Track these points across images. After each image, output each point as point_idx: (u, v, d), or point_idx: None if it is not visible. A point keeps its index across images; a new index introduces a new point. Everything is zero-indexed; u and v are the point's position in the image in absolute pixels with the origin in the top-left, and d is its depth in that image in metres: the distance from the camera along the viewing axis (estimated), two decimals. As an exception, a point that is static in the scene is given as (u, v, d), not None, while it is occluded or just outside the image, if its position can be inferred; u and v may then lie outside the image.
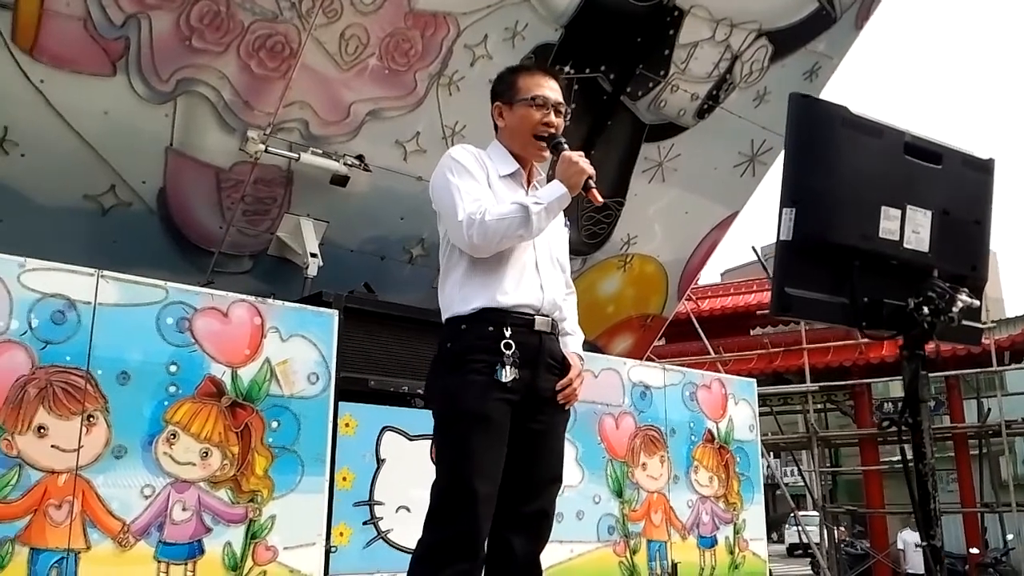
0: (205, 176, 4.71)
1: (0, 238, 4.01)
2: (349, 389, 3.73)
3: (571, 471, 4.33)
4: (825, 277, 2.00)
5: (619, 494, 4.63)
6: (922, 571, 11.23)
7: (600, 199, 2.32)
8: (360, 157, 4.88)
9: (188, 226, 4.87)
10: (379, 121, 4.85)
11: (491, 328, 2.27)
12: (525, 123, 2.42)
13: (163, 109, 4.39)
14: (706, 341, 12.87)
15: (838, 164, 1.98)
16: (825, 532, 14.03)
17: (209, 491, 3.25)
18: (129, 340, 3.18)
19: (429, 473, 2.29)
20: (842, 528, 16.87)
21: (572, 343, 2.49)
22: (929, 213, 2.07)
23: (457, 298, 2.33)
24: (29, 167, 4.29)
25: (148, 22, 4.09)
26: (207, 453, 3.27)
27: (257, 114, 4.54)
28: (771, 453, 15.75)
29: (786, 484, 17.44)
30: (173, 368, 3.25)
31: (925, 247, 2.07)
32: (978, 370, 12.99)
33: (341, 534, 3.57)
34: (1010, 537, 13.67)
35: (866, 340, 13.07)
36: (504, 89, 2.49)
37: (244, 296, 3.54)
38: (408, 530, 3.64)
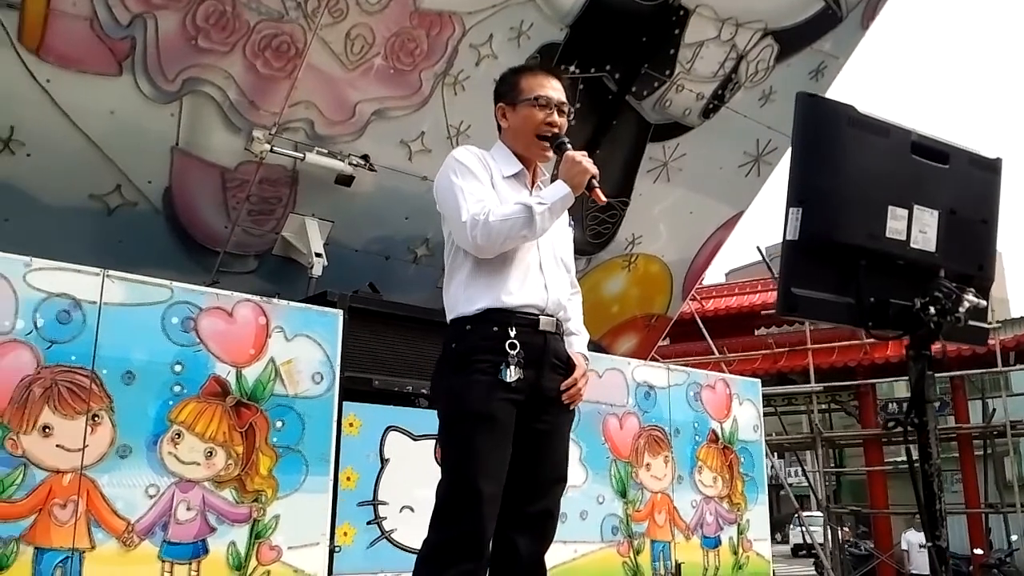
0: (211, 176, 4.71)
1: (6, 238, 4.02)
2: (353, 389, 3.73)
3: (575, 471, 4.32)
4: (831, 277, 1.99)
5: (623, 494, 4.62)
6: (926, 572, 11.23)
7: (603, 198, 2.31)
8: (365, 157, 4.88)
9: (193, 226, 4.88)
10: (384, 121, 4.85)
11: (496, 328, 2.27)
12: (528, 123, 2.42)
13: (169, 109, 4.39)
14: (710, 341, 12.86)
15: (845, 163, 1.98)
16: (829, 533, 14.02)
17: (213, 491, 3.25)
18: (134, 340, 3.19)
19: (433, 473, 2.29)
20: (846, 529, 16.86)
21: (577, 343, 2.49)
22: (936, 213, 2.06)
23: (462, 299, 2.33)
24: (35, 167, 4.29)
25: (154, 22, 4.09)
26: (211, 453, 3.27)
27: (263, 114, 4.54)
28: (775, 453, 15.77)
29: (790, 484, 17.45)
30: (178, 368, 3.26)
31: (932, 247, 2.06)
32: (983, 370, 12.97)
33: (345, 534, 3.57)
34: (1014, 538, 13.66)
35: (871, 340, 13.05)
36: (507, 90, 2.49)
37: (249, 296, 3.54)
38: (412, 530, 3.64)
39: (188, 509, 3.18)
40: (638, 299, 6.77)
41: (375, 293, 4.55)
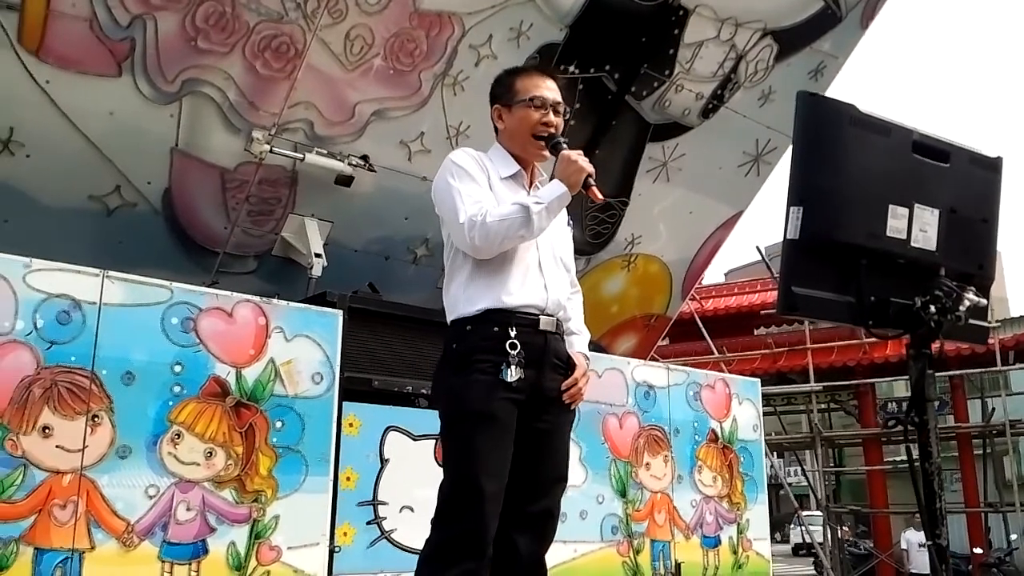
0: (210, 177, 4.71)
1: (6, 239, 4.01)
2: (353, 389, 3.73)
3: (575, 471, 4.32)
4: (832, 276, 2.00)
5: (623, 494, 4.62)
6: (925, 571, 11.23)
7: (600, 196, 2.32)
8: (365, 157, 4.88)
9: (193, 227, 4.88)
10: (384, 121, 4.85)
11: (496, 329, 2.27)
12: (524, 124, 2.43)
13: (168, 110, 4.39)
14: (710, 341, 12.86)
15: (846, 162, 1.98)
16: (829, 532, 14.03)
17: (213, 491, 3.25)
18: (134, 340, 3.19)
19: (433, 473, 2.29)
20: (845, 528, 16.86)
21: (578, 342, 2.49)
22: (936, 212, 2.06)
23: (462, 300, 2.33)
24: (35, 168, 4.29)
25: (154, 23, 4.09)
26: (211, 453, 3.27)
27: (262, 115, 4.54)
28: (775, 453, 15.76)
29: (790, 484, 17.46)
30: (178, 368, 3.26)
31: (932, 246, 2.06)
32: (982, 370, 12.98)
33: (345, 534, 3.57)
34: (1014, 537, 13.67)
35: (870, 340, 13.08)
36: (502, 92, 2.50)
37: (249, 296, 3.54)
38: (412, 530, 3.64)
39: (188, 509, 3.18)
40: (637, 299, 6.77)
41: (375, 293, 4.55)
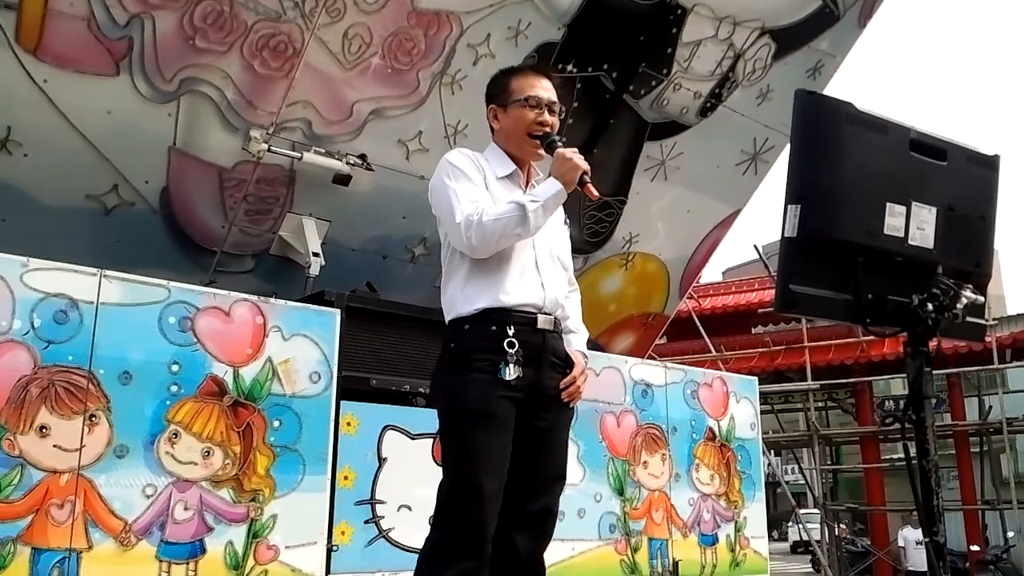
0: (208, 176, 4.71)
1: (3, 238, 4.01)
2: (351, 388, 3.73)
3: (572, 469, 4.31)
4: (829, 274, 2.00)
5: (620, 492, 4.62)
6: (922, 569, 11.26)
7: (596, 193, 2.32)
8: (363, 156, 4.88)
9: (191, 226, 4.87)
10: (382, 120, 4.85)
11: (494, 327, 2.27)
12: (519, 123, 2.44)
13: (166, 109, 4.39)
14: (707, 339, 12.88)
15: (843, 160, 1.98)
16: (826, 530, 14.05)
17: (211, 490, 3.25)
18: (131, 340, 3.18)
19: (431, 472, 2.29)
20: (843, 526, 16.88)
21: (576, 341, 2.50)
22: (934, 210, 2.06)
23: (460, 299, 2.34)
24: (32, 167, 4.29)
25: (152, 22, 4.09)
26: (209, 452, 3.27)
27: (260, 113, 4.54)
28: (772, 451, 15.79)
29: (787, 482, 17.50)
30: (175, 367, 3.25)
31: (930, 243, 2.06)
32: (979, 367, 13.00)
33: (343, 533, 3.57)
34: (1011, 534, 13.67)
35: (867, 338, 13.09)
36: (498, 92, 2.51)
37: (246, 295, 3.54)
38: (410, 529, 3.64)
39: (185, 509, 3.18)
40: (635, 297, 6.77)
41: (372, 292, 4.56)
